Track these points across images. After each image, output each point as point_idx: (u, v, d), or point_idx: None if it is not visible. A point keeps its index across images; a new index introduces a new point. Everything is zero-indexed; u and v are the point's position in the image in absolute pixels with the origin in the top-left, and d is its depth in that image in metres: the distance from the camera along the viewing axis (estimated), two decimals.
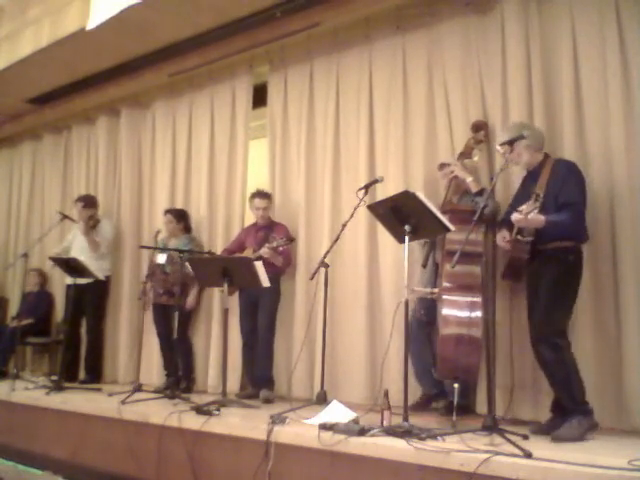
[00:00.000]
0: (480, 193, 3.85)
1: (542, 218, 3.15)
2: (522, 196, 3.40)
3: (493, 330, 3.57)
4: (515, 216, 3.16)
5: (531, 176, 3.47)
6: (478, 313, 3.48)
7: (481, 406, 3.89)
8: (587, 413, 3.10)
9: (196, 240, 5.42)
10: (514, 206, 3.33)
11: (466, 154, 4.01)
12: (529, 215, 3.05)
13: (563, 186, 3.24)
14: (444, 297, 3.58)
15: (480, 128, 4.03)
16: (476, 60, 4.28)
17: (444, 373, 3.56)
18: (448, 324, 3.52)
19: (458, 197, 4.02)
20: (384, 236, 4.34)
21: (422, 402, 4.01)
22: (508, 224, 3.42)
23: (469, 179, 3.92)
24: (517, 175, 3.89)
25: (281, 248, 4.51)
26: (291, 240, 4.53)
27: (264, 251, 4.49)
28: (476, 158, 4.02)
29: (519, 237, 3.33)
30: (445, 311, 3.55)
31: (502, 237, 3.48)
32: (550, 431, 3.12)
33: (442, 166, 4.16)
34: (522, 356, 3.71)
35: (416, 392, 4.04)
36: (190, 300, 5.22)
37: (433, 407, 3.96)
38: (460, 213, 3.74)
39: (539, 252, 3.32)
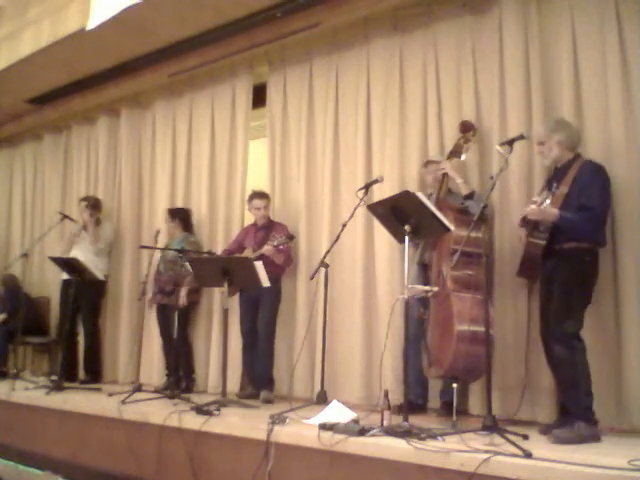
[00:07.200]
0: (470, 196, 3.85)
1: (555, 211, 3.15)
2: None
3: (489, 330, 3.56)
4: (530, 208, 3.16)
5: (558, 174, 3.42)
6: (481, 313, 3.47)
7: (474, 408, 3.90)
8: (590, 422, 3.03)
9: (191, 239, 5.35)
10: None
11: (456, 153, 4.02)
12: (542, 206, 3.05)
13: (586, 188, 3.22)
14: (452, 296, 3.56)
15: (469, 128, 4.04)
16: (473, 60, 4.27)
17: (444, 372, 3.54)
18: (452, 324, 3.50)
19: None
20: (380, 235, 4.36)
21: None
22: (527, 222, 3.41)
23: (459, 180, 3.93)
24: (515, 174, 3.90)
25: (282, 246, 4.51)
26: (291, 238, 4.55)
27: (266, 249, 4.49)
28: (464, 157, 4.03)
29: (531, 239, 3.34)
30: (451, 310, 3.52)
31: (520, 236, 3.50)
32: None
33: (428, 163, 4.18)
34: (521, 357, 3.71)
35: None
36: (181, 298, 5.04)
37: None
38: (454, 212, 3.73)
39: (555, 252, 3.29)
